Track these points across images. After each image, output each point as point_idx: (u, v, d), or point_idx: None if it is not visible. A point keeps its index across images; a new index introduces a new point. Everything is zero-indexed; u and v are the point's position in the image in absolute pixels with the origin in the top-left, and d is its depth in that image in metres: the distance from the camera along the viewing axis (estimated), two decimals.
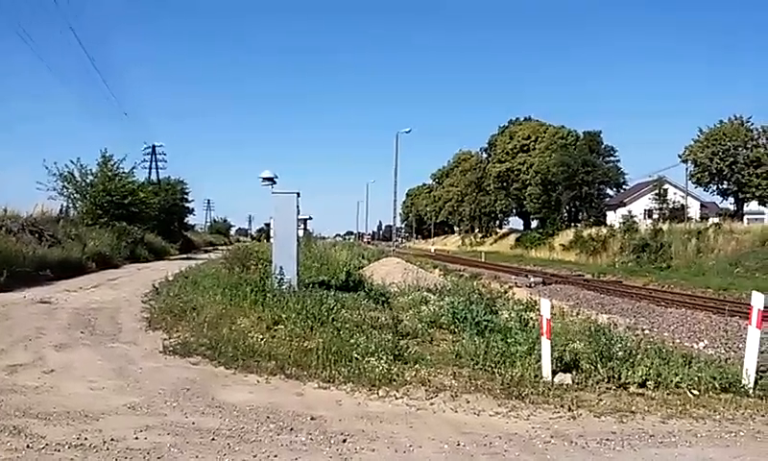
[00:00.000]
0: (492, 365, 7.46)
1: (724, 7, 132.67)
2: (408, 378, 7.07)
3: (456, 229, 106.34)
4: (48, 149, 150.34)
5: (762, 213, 53.86)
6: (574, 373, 7.29)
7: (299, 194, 12.81)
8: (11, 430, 4.95)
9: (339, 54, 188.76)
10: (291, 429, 5.33)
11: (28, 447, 4.63)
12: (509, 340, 8.24)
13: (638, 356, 7.53)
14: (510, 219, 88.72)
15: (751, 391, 6.90)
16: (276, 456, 4.71)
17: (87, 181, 31.28)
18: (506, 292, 17.39)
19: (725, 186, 52.10)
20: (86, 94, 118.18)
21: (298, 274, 12.61)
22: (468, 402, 6.39)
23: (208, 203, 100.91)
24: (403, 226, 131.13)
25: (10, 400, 5.80)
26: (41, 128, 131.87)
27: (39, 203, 26.36)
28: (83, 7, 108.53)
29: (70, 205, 31.30)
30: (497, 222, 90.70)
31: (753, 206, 53.89)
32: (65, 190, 30.77)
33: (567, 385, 6.95)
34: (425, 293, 13.79)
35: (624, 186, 68.20)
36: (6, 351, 7.97)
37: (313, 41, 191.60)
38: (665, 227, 42.77)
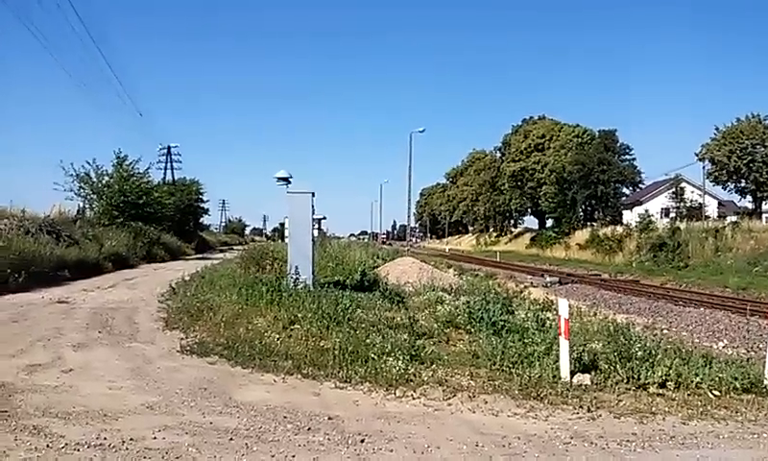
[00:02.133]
0: (510, 365, 7.40)
1: (740, 7, 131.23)
2: (425, 379, 7.03)
3: (470, 228, 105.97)
4: (65, 150, 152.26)
5: None
6: (593, 373, 7.20)
7: (313, 194, 12.83)
8: (30, 430, 4.98)
9: (353, 55, 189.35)
10: (308, 429, 5.32)
11: (48, 446, 4.66)
12: (526, 340, 8.17)
13: (658, 356, 7.39)
14: (525, 218, 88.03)
15: None
16: (293, 456, 4.70)
17: (103, 181, 31.51)
18: (522, 292, 17.26)
19: (743, 185, 51.39)
20: (102, 95, 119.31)
21: (313, 273, 12.61)
22: (486, 403, 6.34)
23: (223, 203, 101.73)
24: (417, 225, 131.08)
25: (29, 399, 5.85)
26: (58, 129, 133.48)
27: (56, 203, 26.77)
28: (95, 5, 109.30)
29: (87, 205, 31.60)
30: (512, 221, 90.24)
31: None
32: (82, 191, 31.03)
33: (586, 386, 6.87)
34: (441, 293, 13.72)
35: (640, 185, 67.37)
36: (25, 350, 8.05)
37: (327, 42, 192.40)
38: (683, 225, 42.21)
